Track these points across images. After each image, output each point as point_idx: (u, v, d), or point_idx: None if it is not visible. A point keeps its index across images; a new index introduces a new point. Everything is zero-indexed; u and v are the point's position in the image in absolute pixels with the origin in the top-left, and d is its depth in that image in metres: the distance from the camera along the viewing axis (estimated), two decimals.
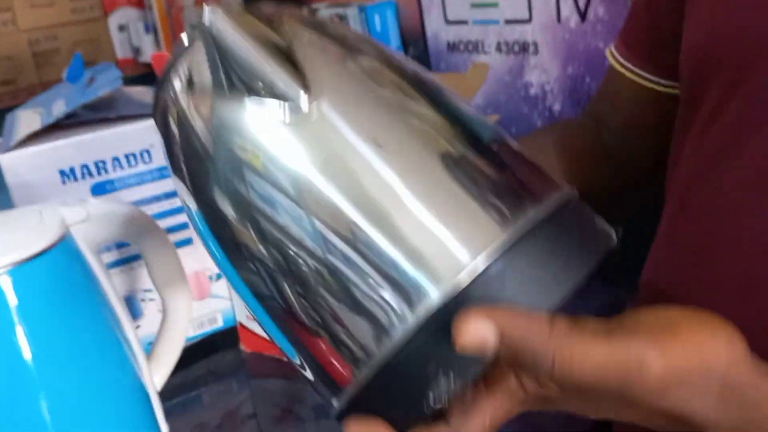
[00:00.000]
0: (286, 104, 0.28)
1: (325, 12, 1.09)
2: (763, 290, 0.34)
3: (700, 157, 0.39)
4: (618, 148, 0.51)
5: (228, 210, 0.29)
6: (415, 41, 1.03)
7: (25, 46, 1.73)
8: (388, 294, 0.26)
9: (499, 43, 0.92)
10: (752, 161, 0.35)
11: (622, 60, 0.49)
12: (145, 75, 1.98)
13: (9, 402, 0.40)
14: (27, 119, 0.59)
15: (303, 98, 0.28)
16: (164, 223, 0.60)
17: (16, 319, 0.40)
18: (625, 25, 0.51)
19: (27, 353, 0.41)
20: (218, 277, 0.64)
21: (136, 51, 1.89)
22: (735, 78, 0.36)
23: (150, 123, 0.58)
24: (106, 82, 0.56)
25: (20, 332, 0.40)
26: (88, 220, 0.45)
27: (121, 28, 1.88)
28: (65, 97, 0.59)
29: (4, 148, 0.53)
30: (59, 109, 0.55)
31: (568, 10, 0.82)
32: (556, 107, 0.89)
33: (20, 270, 0.39)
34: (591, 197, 0.49)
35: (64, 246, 0.42)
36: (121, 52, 1.90)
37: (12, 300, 0.40)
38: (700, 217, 0.38)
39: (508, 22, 0.90)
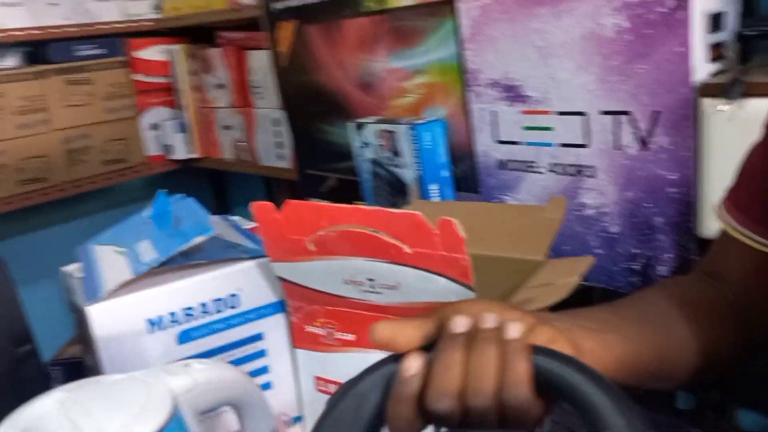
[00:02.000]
0: None
1: (372, 127, 1.10)
2: None
3: None
4: (741, 301, 0.50)
5: None
6: (463, 158, 1.04)
7: (58, 145, 1.75)
8: None
9: (552, 164, 0.93)
10: None
11: (735, 225, 0.48)
12: (176, 171, 1.99)
13: None
14: (111, 261, 0.58)
15: None
16: (247, 367, 0.58)
17: None
18: (735, 188, 0.51)
19: None
20: (295, 420, 0.61)
21: (167, 149, 1.91)
22: None
23: (238, 266, 0.57)
24: (195, 228, 0.55)
25: None
26: (195, 388, 0.43)
27: (153, 126, 1.91)
28: (151, 239, 0.58)
29: (92, 297, 0.52)
30: (150, 254, 0.54)
31: (627, 138, 0.83)
32: (614, 229, 0.89)
33: None
34: (720, 351, 0.47)
35: (174, 423, 0.40)
36: (152, 149, 1.92)
37: None
38: None
39: (563, 145, 0.91)
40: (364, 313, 0.53)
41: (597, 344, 0.41)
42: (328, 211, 0.49)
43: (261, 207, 0.52)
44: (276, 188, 2.06)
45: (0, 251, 1.66)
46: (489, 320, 0.37)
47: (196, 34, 1.88)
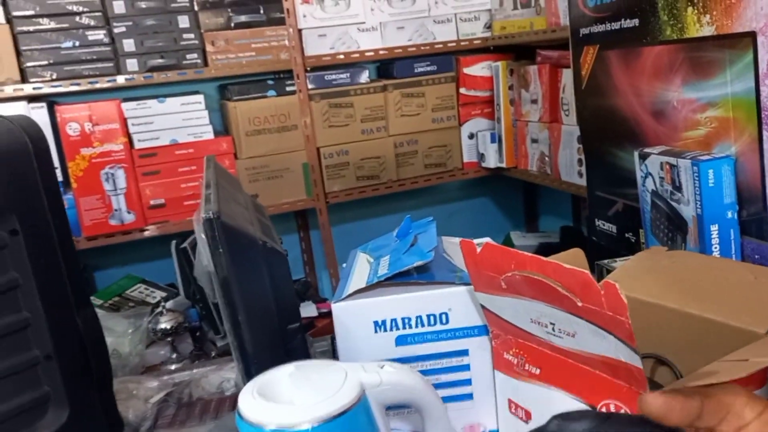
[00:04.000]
0: None
1: (656, 158, 1.07)
2: None
3: None
4: None
5: None
6: (753, 200, 0.95)
7: (391, 149, 2.04)
8: None
9: None
10: None
11: None
12: (487, 177, 2.16)
13: None
14: (362, 267, 0.73)
15: None
16: (452, 377, 0.67)
17: None
18: None
19: None
20: None
21: (481, 157, 2.08)
22: None
23: (450, 289, 0.66)
24: (420, 253, 0.66)
25: None
26: (381, 386, 0.54)
27: (471, 136, 2.09)
28: (390, 254, 0.71)
29: (338, 296, 0.67)
30: (383, 270, 0.67)
31: None
32: None
33: (322, 426, 0.50)
34: None
35: (359, 407, 0.52)
36: (468, 156, 2.10)
37: None
38: None
39: None
40: (548, 352, 0.58)
41: None
42: (514, 257, 0.55)
43: (466, 245, 0.60)
44: (581, 205, 2.07)
45: (333, 234, 2.02)
46: None
47: (519, 52, 1.99)
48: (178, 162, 1.86)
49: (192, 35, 1.83)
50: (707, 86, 1.01)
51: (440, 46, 2.05)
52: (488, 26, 2.06)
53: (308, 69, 1.97)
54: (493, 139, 2.03)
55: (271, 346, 0.66)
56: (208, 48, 1.86)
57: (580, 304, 0.52)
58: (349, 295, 0.66)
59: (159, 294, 2.04)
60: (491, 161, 2.04)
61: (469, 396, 0.68)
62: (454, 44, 2.06)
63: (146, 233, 1.88)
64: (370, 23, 1.98)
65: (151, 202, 1.86)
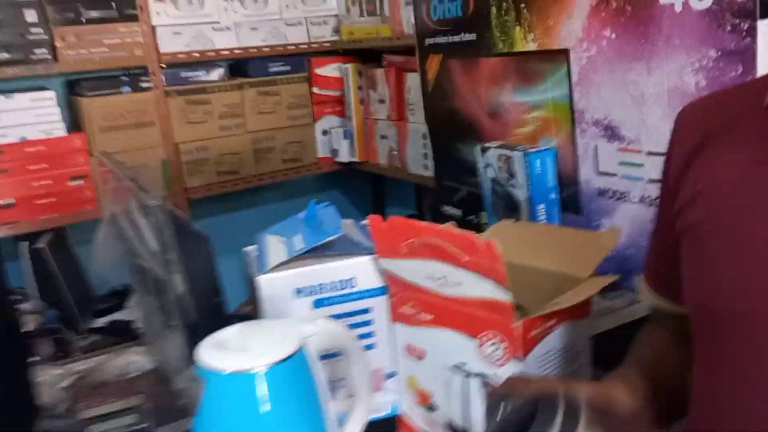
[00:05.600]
0: None
1: (494, 151, 1.29)
2: None
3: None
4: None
5: None
6: (569, 184, 1.20)
7: (249, 145, 2.12)
8: None
9: (642, 197, 1.07)
10: None
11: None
12: (341, 171, 2.31)
13: None
14: (274, 246, 0.84)
15: None
16: (358, 331, 0.81)
17: (266, 395, 0.62)
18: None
19: (270, 413, 0.63)
20: (389, 375, 0.84)
21: (334, 152, 2.23)
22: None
23: (356, 259, 0.80)
24: (332, 230, 0.80)
25: (266, 404, 0.63)
26: (316, 334, 0.67)
27: (324, 132, 2.23)
28: (302, 233, 0.84)
29: (260, 270, 0.78)
30: (299, 245, 0.80)
31: None
32: None
33: (273, 368, 0.62)
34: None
35: (301, 353, 0.64)
36: (322, 151, 2.25)
37: (265, 386, 0.62)
38: None
39: (651, 181, 1.04)
40: (439, 301, 0.75)
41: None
42: (414, 227, 0.71)
43: (373, 219, 0.75)
44: (423, 194, 2.31)
45: (198, 229, 2.05)
46: None
47: (367, 55, 2.17)
48: (27, 160, 1.80)
49: (40, 30, 1.78)
50: (533, 92, 1.25)
51: (293, 47, 2.17)
52: (336, 30, 2.22)
53: (163, 66, 1.99)
54: (346, 135, 2.19)
55: (208, 315, 0.76)
56: (58, 43, 1.82)
57: (466, 258, 0.69)
58: (273, 268, 0.78)
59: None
60: (344, 156, 2.20)
61: (372, 346, 0.83)
62: (305, 46, 2.19)
63: None
64: (224, 23, 2.05)
65: (0, 203, 1.78)
